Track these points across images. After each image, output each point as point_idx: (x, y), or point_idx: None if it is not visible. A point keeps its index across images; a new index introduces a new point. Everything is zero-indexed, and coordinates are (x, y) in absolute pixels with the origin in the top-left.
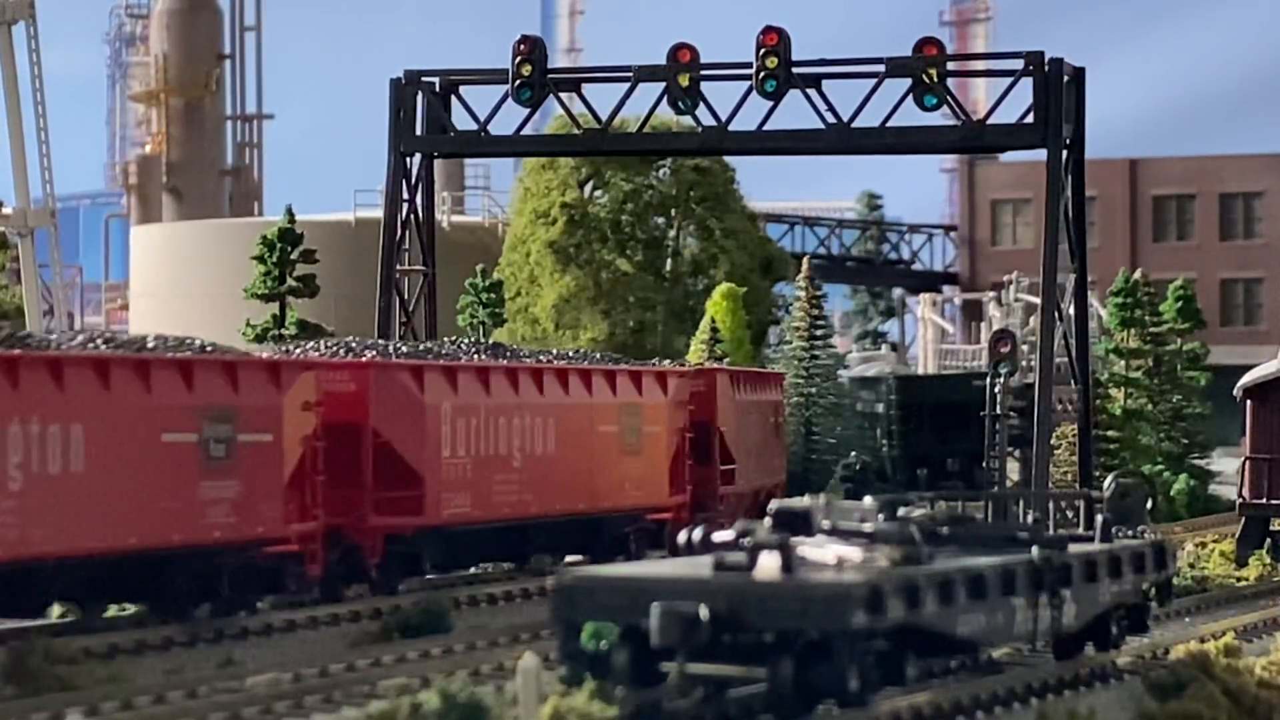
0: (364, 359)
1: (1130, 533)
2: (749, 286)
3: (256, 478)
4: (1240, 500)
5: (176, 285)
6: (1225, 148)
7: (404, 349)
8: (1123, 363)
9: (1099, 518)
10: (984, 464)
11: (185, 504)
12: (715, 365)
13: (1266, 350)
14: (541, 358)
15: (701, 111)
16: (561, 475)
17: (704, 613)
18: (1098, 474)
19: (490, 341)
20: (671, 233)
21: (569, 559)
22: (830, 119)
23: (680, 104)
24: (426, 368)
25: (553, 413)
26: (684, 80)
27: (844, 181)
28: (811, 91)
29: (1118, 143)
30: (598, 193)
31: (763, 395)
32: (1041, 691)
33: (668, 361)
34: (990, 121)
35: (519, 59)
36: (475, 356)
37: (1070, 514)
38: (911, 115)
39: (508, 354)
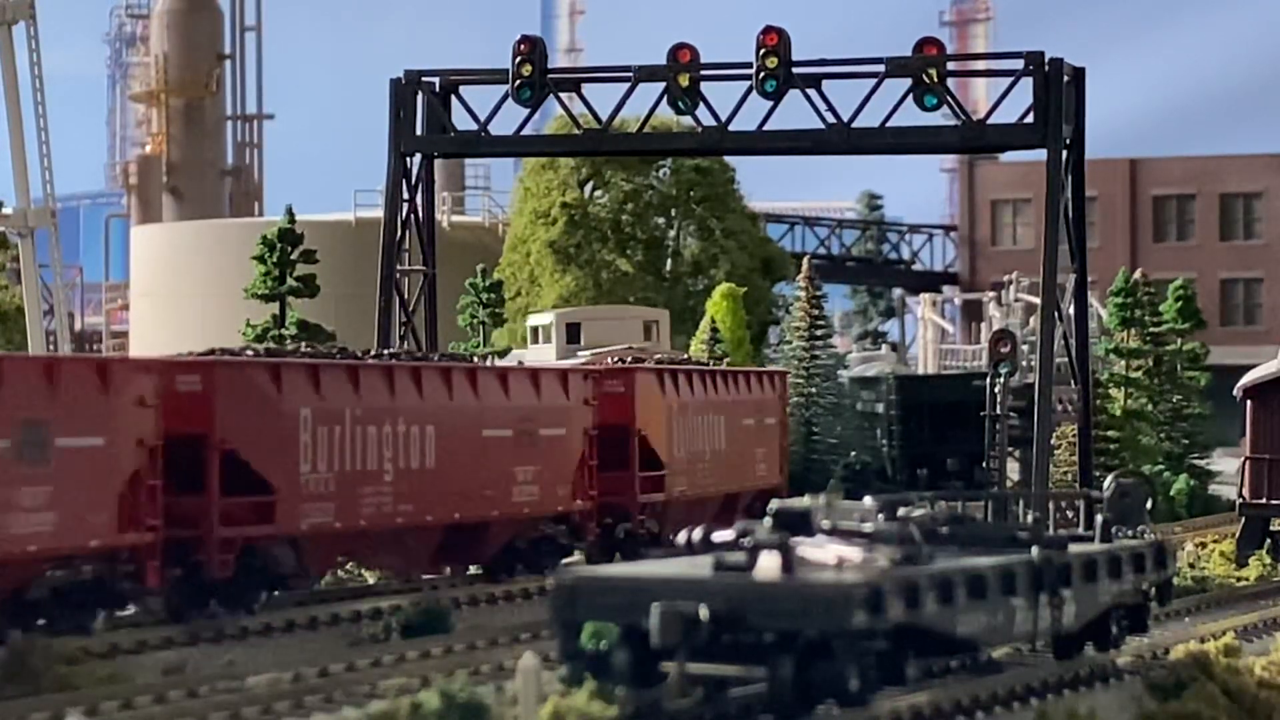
0: (629, 363)
1: (1130, 533)
2: (749, 286)
3: (553, 464)
4: (1240, 500)
5: (176, 285)
6: (1225, 148)
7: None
8: (1123, 363)
9: (1099, 518)
10: (984, 464)
11: (502, 485)
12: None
13: (1266, 350)
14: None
15: (701, 111)
16: (728, 461)
17: (704, 613)
18: (1098, 474)
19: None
20: (671, 233)
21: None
22: (830, 119)
23: (680, 104)
24: (666, 372)
25: (723, 409)
26: (684, 80)
27: (844, 181)
28: (811, 91)
29: (1118, 143)
30: (598, 193)
31: None
32: (1041, 691)
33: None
34: (990, 121)
35: (519, 59)
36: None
37: (1070, 514)
38: (911, 115)
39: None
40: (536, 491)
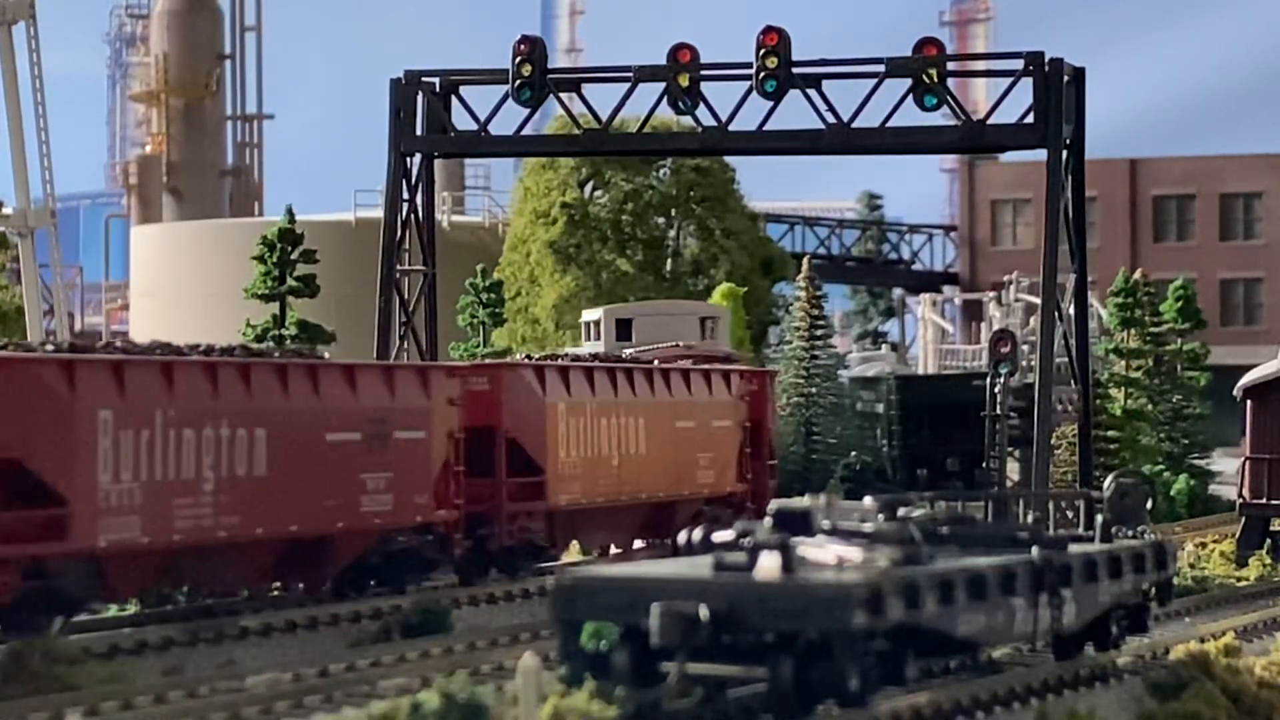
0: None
1: (1130, 533)
2: (749, 286)
3: (410, 470)
4: (1240, 500)
5: (176, 285)
6: (1225, 148)
7: None
8: (1123, 363)
9: (1099, 518)
10: (984, 464)
11: (348, 495)
12: (767, 368)
13: (1266, 350)
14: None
15: (701, 112)
16: (649, 466)
17: (704, 613)
18: (1098, 474)
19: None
20: (671, 233)
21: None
22: (830, 119)
23: (680, 104)
24: (554, 369)
25: (643, 410)
26: (684, 80)
27: (844, 181)
28: (811, 91)
29: (1118, 143)
30: (598, 193)
31: None
32: (1041, 691)
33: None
34: (990, 121)
35: (519, 59)
36: None
37: (1070, 514)
38: (911, 115)
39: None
40: (390, 501)
